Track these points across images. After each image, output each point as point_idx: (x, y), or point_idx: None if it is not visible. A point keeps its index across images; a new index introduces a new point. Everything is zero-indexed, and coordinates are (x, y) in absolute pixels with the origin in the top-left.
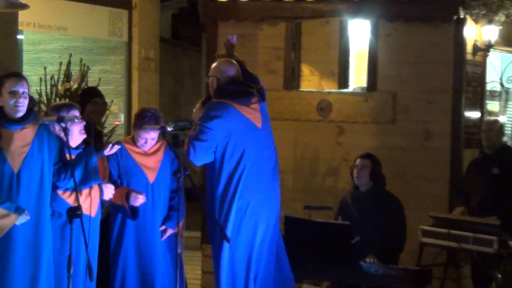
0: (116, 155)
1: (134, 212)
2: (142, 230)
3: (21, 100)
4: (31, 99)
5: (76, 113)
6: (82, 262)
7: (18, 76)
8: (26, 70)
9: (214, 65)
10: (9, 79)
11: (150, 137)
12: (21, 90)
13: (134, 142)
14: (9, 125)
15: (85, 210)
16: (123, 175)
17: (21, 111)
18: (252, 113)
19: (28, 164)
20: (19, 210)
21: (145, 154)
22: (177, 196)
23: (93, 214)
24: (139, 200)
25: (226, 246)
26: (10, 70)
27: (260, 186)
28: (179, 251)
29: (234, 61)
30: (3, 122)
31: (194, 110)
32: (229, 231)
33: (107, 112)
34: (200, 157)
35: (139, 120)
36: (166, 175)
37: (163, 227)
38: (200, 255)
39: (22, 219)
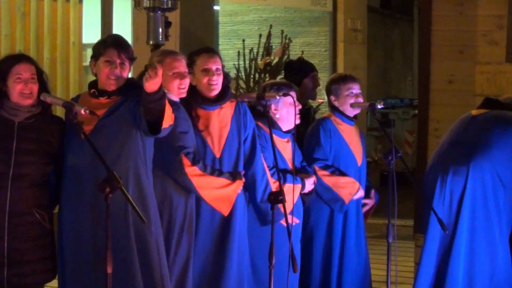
0: (330, 135)
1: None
2: (348, 221)
3: (214, 77)
4: (225, 75)
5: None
6: (284, 252)
7: (210, 51)
8: (222, 44)
9: None
10: (201, 56)
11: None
12: (214, 67)
13: (338, 118)
14: (206, 106)
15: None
16: (333, 158)
17: (216, 89)
18: None
19: (229, 147)
20: (237, 176)
21: (350, 135)
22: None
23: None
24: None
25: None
26: (206, 44)
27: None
28: (390, 241)
29: None
30: (200, 103)
31: None
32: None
33: None
34: None
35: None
36: (365, 162)
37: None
38: (413, 245)
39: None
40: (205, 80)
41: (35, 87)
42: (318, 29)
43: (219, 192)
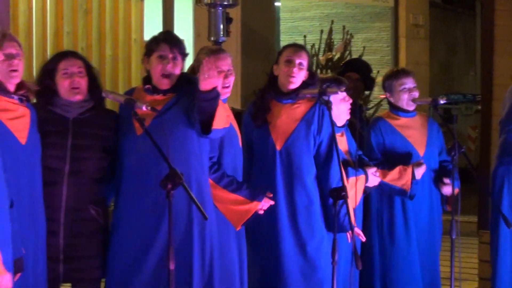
0: (380, 131)
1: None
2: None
3: (295, 70)
4: (312, 74)
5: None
6: (345, 249)
7: (299, 46)
8: (284, 40)
9: None
10: (288, 48)
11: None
12: (297, 60)
13: (394, 114)
14: (280, 98)
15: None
16: (389, 152)
17: (294, 82)
18: None
19: (292, 143)
20: (258, 197)
21: (410, 127)
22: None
23: (353, 206)
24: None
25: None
26: (267, 40)
27: None
28: (453, 237)
29: None
30: (275, 94)
31: None
32: None
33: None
34: None
35: None
36: (434, 150)
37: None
38: (476, 242)
39: (265, 205)
40: (285, 69)
41: (82, 81)
42: (380, 24)
43: (231, 207)
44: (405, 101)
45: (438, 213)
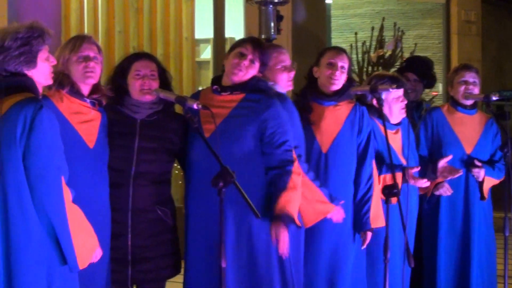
0: (432, 123)
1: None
2: (456, 212)
3: (337, 73)
4: (350, 78)
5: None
6: (399, 247)
7: (340, 49)
8: (335, 37)
9: None
10: (330, 50)
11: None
12: (340, 64)
13: (452, 107)
14: (321, 100)
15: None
16: (436, 145)
17: (336, 84)
18: None
19: (337, 146)
20: (335, 200)
21: (464, 123)
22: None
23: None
24: (447, 192)
25: None
26: (319, 38)
27: None
28: (507, 234)
29: None
30: (315, 96)
31: None
32: None
33: None
34: None
35: None
36: (484, 152)
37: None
38: None
39: (336, 214)
40: (327, 72)
41: (154, 84)
42: (431, 21)
43: (311, 203)
44: (460, 93)
45: (479, 213)
